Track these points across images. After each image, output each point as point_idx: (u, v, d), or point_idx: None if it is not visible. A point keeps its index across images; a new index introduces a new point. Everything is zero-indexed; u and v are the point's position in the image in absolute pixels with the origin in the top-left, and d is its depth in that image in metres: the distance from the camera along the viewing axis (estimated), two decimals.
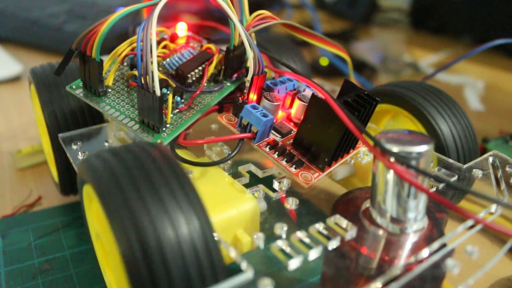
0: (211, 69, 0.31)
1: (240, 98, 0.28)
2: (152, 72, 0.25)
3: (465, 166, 0.29)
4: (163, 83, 0.29)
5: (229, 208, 0.24)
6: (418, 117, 0.31)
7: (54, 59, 0.75)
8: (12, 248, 0.32)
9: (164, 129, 0.28)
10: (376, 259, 0.22)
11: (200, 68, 0.31)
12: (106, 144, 0.30)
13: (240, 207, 0.25)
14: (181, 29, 0.35)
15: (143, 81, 0.26)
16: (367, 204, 0.25)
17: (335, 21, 1.03)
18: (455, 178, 0.27)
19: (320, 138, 0.26)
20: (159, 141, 0.27)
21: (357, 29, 0.95)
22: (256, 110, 0.26)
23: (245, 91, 0.28)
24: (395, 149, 0.21)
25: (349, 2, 1.01)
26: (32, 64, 0.70)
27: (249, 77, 0.28)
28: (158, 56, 0.32)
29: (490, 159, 0.29)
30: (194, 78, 0.31)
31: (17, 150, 0.43)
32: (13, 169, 0.43)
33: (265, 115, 0.26)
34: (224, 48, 0.33)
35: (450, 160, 0.29)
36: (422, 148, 0.21)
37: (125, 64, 0.32)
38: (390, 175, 0.22)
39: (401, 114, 0.33)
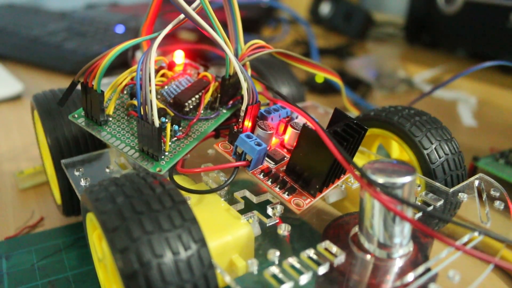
0: (207, 97, 0.33)
1: (235, 127, 0.30)
2: (151, 104, 0.26)
3: (451, 190, 0.30)
4: (162, 112, 0.31)
5: (225, 234, 0.25)
6: (406, 142, 0.32)
7: (54, 77, 0.76)
8: (16, 270, 0.33)
9: (162, 157, 0.29)
10: (364, 284, 0.23)
11: (197, 96, 0.32)
12: (107, 170, 0.31)
13: (235, 233, 0.26)
14: (179, 56, 0.36)
15: (142, 112, 0.27)
16: (356, 229, 0.26)
17: (330, 36, 1.05)
18: (441, 202, 0.29)
19: (312, 166, 0.27)
20: (158, 169, 0.28)
21: (352, 44, 0.97)
22: (250, 139, 0.28)
23: (240, 120, 0.30)
24: (380, 180, 0.22)
25: (345, 17, 1.03)
26: (33, 83, 0.72)
27: (243, 107, 0.29)
28: (156, 85, 0.33)
29: (476, 182, 0.31)
30: (191, 106, 0.32)
31: (19, 171, 0.44)
32: (15, 190, 0.44)
33: (259, 144, 0.27)
34: (220, 74, 0.34)
35: (437, 184, 0.30)
36: (406, 179, 0.22)
37: (125, 92, 0.33)
38: (376, 204, 0.23)
39: (391, 139, 0.34)
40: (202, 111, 0.32)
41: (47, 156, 0.38)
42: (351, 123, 0.28)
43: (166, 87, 0.33)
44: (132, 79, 0.33)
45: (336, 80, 0.39)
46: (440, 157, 0.31)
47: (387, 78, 0.76)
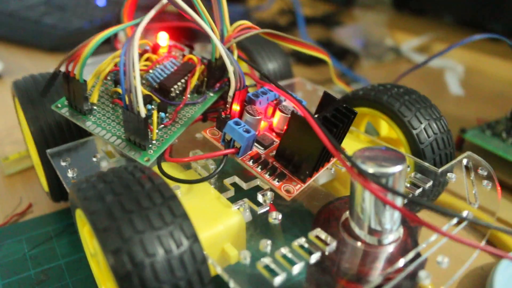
0: (193, 81, 0.32)
1: (223, 113, 0.29)
2: (136, 94, 0.26)
3: (440, 170, 0.30)
4: (147, 99, 0.30)
5: (216, 223, 0.26)
6: (396, 122, 0.32)
7: (34, 54, 0.73)
8: (8, 260, 0.33)
9: (150, 146, 0.28)
10: (355, 271, 0.23)
11: (182, 80, 0.32)
12: (94, 159, 0.31)
13: (227, 222, 0.26)
14: (163, 38, 0.35)
15: (127, 102, 0.26)
16: (346, 214, 0.26)
17: (317, 4, 1.03)
18: (430, 183, 0.29)
19: (301, 151, 0.27)
20: (146, 158, 0.28)
21: (339, 12, 0.95)
22: (239, 126, 0.27)
23: (227, 105, 0.29)
24: (370, 169, 0.22)
25: None
26: (13, 61, 0.69)
27: (230, 93, 0.29)
28: (141, 70, 0.32)
29: (465, 161, 0.31)
30: (177, 91, 0.31)
31: (4, 157, 0.44)
32: (1, 176, 0.43)
33: (247, 131, 0.27)
34: (206, 54, 0.33)
35: (426, 164, 0.30)
36: (396, 168, 0.22)
37: (109, 78, 0.32)
38: (367, 192, 0.23)
39: (380, 118, 0.34)
40: (188, 96, 0.32)
41: (31, 144, 0.37)
42: (340, 107, 0.28)
43: (151, 71, 0.33)
44: (115, 65, 0.32)
45: (324, 57, 0.39)
46: (429, 137, 0.31)
47: (375, 47, 0.76)
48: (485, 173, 0.29)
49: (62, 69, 0.31)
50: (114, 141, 0.28)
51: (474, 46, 0.76)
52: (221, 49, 0.28)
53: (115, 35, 0.44)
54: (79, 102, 0.29)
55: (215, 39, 0.28)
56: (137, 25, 0.27)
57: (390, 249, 0.24)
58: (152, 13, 0.27)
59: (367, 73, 0.69)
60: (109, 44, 0.70)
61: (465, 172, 0.30)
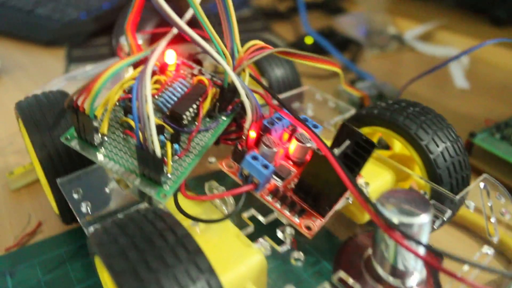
0: (206, 106, 0.31)
1: (239, 145, 0.29)
2: (152, 134, 0.25)
3: (457, 196, 0.30)
4: (160, 130, 0.29)
5: (237, 264, 0.25)
6: (413, 145, 0.32)
7: (29, 49, 0.71)
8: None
9: (165, 180, 0.28)
10: None
11: (194, 106, 0.31)
12: (107, 190, 0.30)
13: (248, 262, 0.26)
14: (170, 57, 0.34)
15: (142, 140, 0.26)
16: (368, 252, 0.26)
17: None
18: (449, 214, 0.29)
19: (322, 187, 0.26)
20: (162, 195, 0.27)
21: None
22: (257, 162, 0.27)
23: (243, 137, 0.28)
24: (396, 219, 0.22)
25: None
26: (7, 56, 0.67)
27: (246, 125, 0.28)
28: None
29: (481, 185, 0.31)
30: (189, 118, 0.30)
31: (9, 172, 0.43)
32: (6, 191, 0.43)
33: (266, 167, 0.27)
34: (215, 71, 0.32)
35: (443, 190, 0.30)
36: (423, 219, 0.22)
37: (117, 104, 0.31)
38: (391, 240, 0.23)
39: (395, 138, 0.33)
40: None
41: (39, 168, 0.36)
42: (360, 141, 0.27)
43: (160, 96, 0.31)
44: (124, 91, 0.31)
45: (337, 69, 0.38)
46: (446, 161, 0.31)
47: (378, 35, 0.74)
48: (503, 201, 0.29)
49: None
50: (128, 177, 0.28)
51: (477, 33, 0.74)
52: (236, 82, 0.27)
53: (117, 43, 0.43)
54: (89, 136, 0.28)
55: (228, 69, 0.27)
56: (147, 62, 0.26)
57: None
58: (163, 44, 0.26)
59: (371, 64, 0.68)
60: (109, 46, 0.68)
61: (482, 199, 0.30)
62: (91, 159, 0.29)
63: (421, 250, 0.23)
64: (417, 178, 0.32)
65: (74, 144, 0.29)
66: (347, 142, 0.27)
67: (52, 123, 0.32)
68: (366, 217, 0.32)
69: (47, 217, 0.40)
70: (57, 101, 0.34)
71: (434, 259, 0.22)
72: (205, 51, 0.26)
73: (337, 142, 0.29)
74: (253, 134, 0.29)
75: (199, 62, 0.35)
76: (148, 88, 0.24)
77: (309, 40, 0.70)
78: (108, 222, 0.24)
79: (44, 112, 0.33)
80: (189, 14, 0.26)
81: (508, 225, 0.33)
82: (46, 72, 0.64)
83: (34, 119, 0.32)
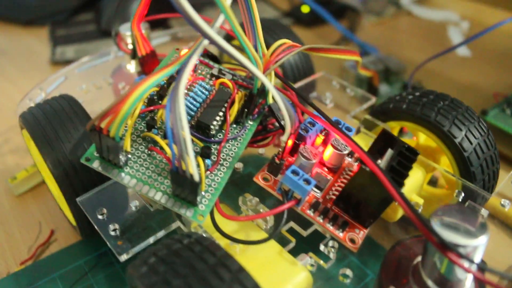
0: (233, 113, 0.29)
1: (276, 158, 0.27)
2: (190, 162, 0.23)
3: (492, 194, 0.29)
4: None
5: (284, 283, 0.25)
6: (444, 141, 0.31)
7: (8, 29, 0.66)
8: None
9: (200, 199, 0.26)
10: None
11: (221, 113, 0.29)
12: (133, 208, 0.29)
13: (294, 281, 0.25)
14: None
15: (177, 164, 0.24)
16: (417, 260, 0.26)
17: None
18: (487, 214, 0.28)
19: (366, 201, 0.26)
20: (199, 216, 0.26)
21: None
22: (298, 177, 0.25)
23: (280, 150, 0.27)
24: (452, 239, 0.21)
25: None
26: None
27: (285, 138, 0.26)
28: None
29: None
30: (217, 127, 0.29)
31: (12, 177, 0.40)
32: (10, 197, 0.40)
33: (307, 181, 0.25)
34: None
35: (477, 188, 0.30)
36: (480, 240, 0.21)
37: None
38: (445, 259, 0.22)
39: (423, 132, 0.32)
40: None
41: (48, 176, 0.34)
42: (403, 150, 0.26)
43: None
44: (145, 102, 0.28)
45: (357, 58, 0.36)
46: (479, 158, 0.30)
47: (374, 0, 0.71)
48: None
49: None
50: (159, 198, 0.26)
51: None
52: (275, 94, 0.25)
53: (117, 33, 0.39)
54: (114, 157, 0.26)
55: (268, 83, 0.25)
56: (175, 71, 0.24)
57: None
58: (195, 58, 0.23)
59: (369, 32, 0.66)
60: (94, 23, 0.64)
61: None
62: (116, 180, 0.27)
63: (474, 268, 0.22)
64: (450, 175, 0.31)
65: (97, 166, 0.27)
66: (390, 152, 0.26)
67: (64, 136, 0.30)
68: (398, 215, 0.31)
69: (58, 224, 0.38)
70: (63, 109, 0.31)
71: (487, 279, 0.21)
72: (240, 63, 0.24)
73: (375, 148, 0.28)
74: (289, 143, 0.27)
75: (214, 57, 0.33)
76: (184, 113, 0.22)
77: (305, 9, 0.67)
78: (145, 252, 0.22)
79: (53, 124, 0.30)
80: (219, 21, 0.23)
81: None
82: (30, 56, 0.59)
83: (43, 134, 0.30)
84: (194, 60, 0.23)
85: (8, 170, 0.43)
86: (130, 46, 0.39)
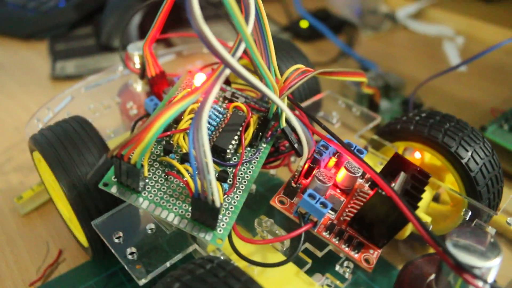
0: (249, 137, 0.30)
1: (293, 182, 0.28)
2: (211, 186, 0.23)
3: (498, 213, 0.30)
4: None
5: None
6: (451, 161, 0.32)
7: (7, 44, 0.65)
8: None
9: (218, 223, 0.27)
10: None
11: (236, 137, 0.29)
12: (149, 231, 0.29)
13: None
14: (201, 81, 0.32)
15: (200, 191, 0.24)
16: (431, 278, 0.26)
17: None
18: (494, 232, 0.29)
19: (381, 223, 0.26)
20: (218, 240, 0.26)
21: None
22: (315, 201, 0.26)
23: (296, 174, 0.28)
24: (467, 261, 0.22)
25: None
26: None
27: (301, 163, 0.27)
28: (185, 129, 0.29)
29: None
30: (232, 151, 0.29)
31: (18, 197, 0.40)
32: (16, 216, 0.40)
33: (324, 205, 0.26)
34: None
35: (482, 206, 0.31)
36: (495, 262, 0.22)
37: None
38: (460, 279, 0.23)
39: (429, 153, 0.33)
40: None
41: (62, 200, 0.34)
42: (415, 173, 0.27)
43: None
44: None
45: (364, 79, 0.37)
46: (485, 178, 0.31)
47: (371, 15, 0.73)
48: None
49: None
50: (178, 223, 0.26)
51: (468, 10, 0.74)
52: (294, 120, 0.25)
53: (125, 51, 0.40)
54: (132, 183, 0.26)
55: (287, 109, 0.25)
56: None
57: None
58: (217, 87, 0.24)
59: (367, 46, 0.67)
60: (94, 37, 0.64)
61: None
62: (134, 205, 0.27)
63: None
64: (457, 195, 0.32)
65: (114, 191, 0.27)
66: (403, 175, 0.27)
67: (78, 159, 0.30)
68: (407, 233, 0.32)
69: (66, 244, 0.38)
70: (76, 131, 0.32)
71: None
72: (259, 90, 0.24)
73: (388, 171, 0.28)
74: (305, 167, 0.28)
75: (226, 80, 0.33)
76: (207, 142, 0.22)
77: (304, 24, 0.68)
78: (167, 278, 0.23)
79: (66, 146, 0.30)
80: (240, 50, 0.24)
81: None
82: (30, 71, 0.59)
83: (57, 156, 0.30)
84: (217, 89, 0.23)
85: (12, 189, 0.43)
86: (138, 66, 0.40)
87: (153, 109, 0.33)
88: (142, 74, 0.39)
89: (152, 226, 0.29)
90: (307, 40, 0.67)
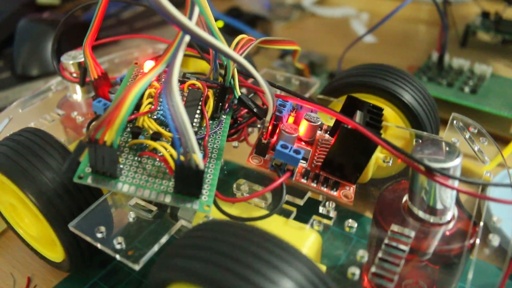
0: (210, 109, 0.30)
1: (263, 138, 0.29)
2: (194, 148, 0.24)
3: (443, 136, 0.34)
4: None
5: (300, 248, 0.26)
6: (392, 101, 0.35)
7: None
8: None
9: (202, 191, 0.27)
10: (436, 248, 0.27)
11: (198, 111, 0.30)
12: (131, 219, 0.29)
13: (307, 244, 0.27)
14: (150, 67, 0.32)
15: (183, 159, 0.25)
16: (405, 199, 0.29)
17: None
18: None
19: (350, 159, 0.28)
20: (205, 206, 0.27)
21: None
22: (288, 150, 0.27)
23: (264, 130, 0.29)
24: (435, 165, 0.25)
25: None
26: None
27: (268, 118, 0.28)
28: (147, 111, 0.30)
29: (455, 123, 0.35)
30: (198, 125, 0.30)
31: None
32: None
33: (297, 152, 0.28)
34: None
35: (428, 134, 0.34)
36: (457, 161, 0.25)
37: None
38: (431, 183, 0.26)
39: (373, 99, 0.36)
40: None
41: (23, 218, 0.32)
42: (370, 108, 0.29)
43: (158, 108, 0.30)
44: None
45: (296, 47, 0.39)
46: (424, 110, 0.35)
47: (279, 7, 0.77)
48: (475, 130, 0.34)
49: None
50: (163, 198, 0.27)
51: None
52: (258, 77, 0.27)
53: (58, 62, 0.39)
54: (111, 168, 0.26)
55: (249, 66, 0.27)
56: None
57: (451, 225, 0.28)
58: (181, 54, 0.24)
59: (282, 36, 0.71)
60: (9, 71, 0.60)
61: (461, 134, 0.34)
62: (113, 191, 0.27)
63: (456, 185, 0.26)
64: (403, 129, 0.35)
65: (91, 182, 0.26)
66: (359, 112, 0.30)
67: (41, 166, 0.29)
68: (367, 177, 0.35)
69: (33, 269, 0.36)
70: (30, 140, 0.30)
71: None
72: (215, 47, 0.25)
73: (345, 112, 0.31)
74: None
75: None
76: (181, 104, 0.23)
77: (219, 24, 0.70)
78: (170, 248, 0.23)
79: (24, 155, 0.29)
80: (195, 14, 0.25)
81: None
82: None
83: (18, 168, 0.28)
84: (181, 55, 0.24)
85: None
86: (75, 75, 0.39)
87: (104, 109, 0.33)
88: (83, 80, 0.38)
89: (132, 214, 0.29)
90: (229, 36, 0.69)
